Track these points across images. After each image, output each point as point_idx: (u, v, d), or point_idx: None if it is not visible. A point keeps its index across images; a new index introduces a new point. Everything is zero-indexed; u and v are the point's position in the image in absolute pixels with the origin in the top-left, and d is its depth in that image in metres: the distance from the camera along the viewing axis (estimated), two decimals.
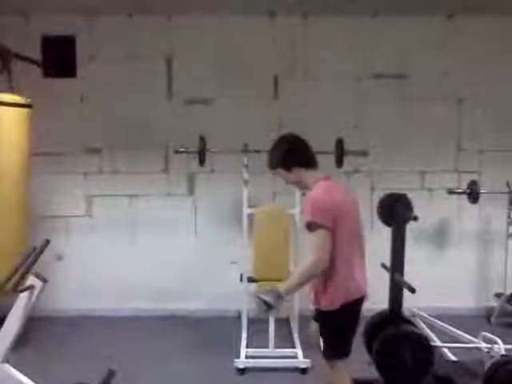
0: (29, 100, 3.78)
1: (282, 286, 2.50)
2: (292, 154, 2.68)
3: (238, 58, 4.85)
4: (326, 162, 4.27)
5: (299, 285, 2.53)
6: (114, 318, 4.77)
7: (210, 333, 4.57)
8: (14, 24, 4.68)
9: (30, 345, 3.99)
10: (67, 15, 4.68)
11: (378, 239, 4.64)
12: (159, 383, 3.70)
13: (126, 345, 4.27)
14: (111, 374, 2.89)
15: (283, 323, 4.50)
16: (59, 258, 4.84)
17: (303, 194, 3.32)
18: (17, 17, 4.70)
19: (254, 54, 4.86)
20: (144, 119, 4.87)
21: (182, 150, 4.27)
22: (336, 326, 2.64)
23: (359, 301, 2.62)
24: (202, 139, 4.14)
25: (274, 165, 2.74)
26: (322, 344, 2.73)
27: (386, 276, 3.52)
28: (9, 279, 2.56)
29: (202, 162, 4.19)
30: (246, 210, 4.16)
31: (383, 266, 3.56)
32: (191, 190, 4.99)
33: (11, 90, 3.73)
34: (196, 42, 4.85)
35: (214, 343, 4.35)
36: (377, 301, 3.69)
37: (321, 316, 2.70)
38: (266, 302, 2.46)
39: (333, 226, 2.46)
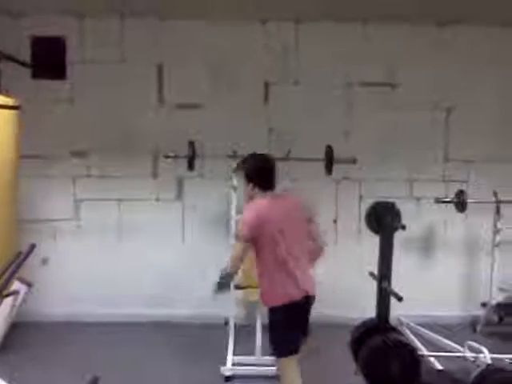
0: (17, 101, 3.74)
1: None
2: (256, 174, 2.96)
3: (229, 64, 4.84)
4: (315, 169, 4.35)
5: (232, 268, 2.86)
6: (100, 324, 4.70)
7: (197, 339, 4.54)
8: (2, 24, 4.64)
9: (14, 350, 3.93)
10: (57, 16, 4.66)
11: (365, 247, 4.69)
12: None
13: (111, 350, 4.22)
14: (95, 380, 2.85)
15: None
16: (44, 262, 4.78)
17: None
18: (6, 17, 4.67)
19: (245, 60, 4.85)
20: (134, 123, 4.84)
21: (171, 155, 4.26)
22: (273, 324, 2.86)
23: (293, 305, 2.80)
24: (192, 144, 4.13)
25: (241, 170, 3.07)
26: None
27: (374, 284, 3.53)
28: None
29: (191, 167, 4.18)
30: (234, 216, 4.14)
31: (371, 274, 3.57)
32: (180, 195, 4.97)
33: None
34: (187, 46, 4.83)
35: (201, 350, 4.32)
36: (365, 309, 3.73)
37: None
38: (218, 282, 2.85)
39: (255, 237, 2.79)
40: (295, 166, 4.39)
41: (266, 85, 4.91)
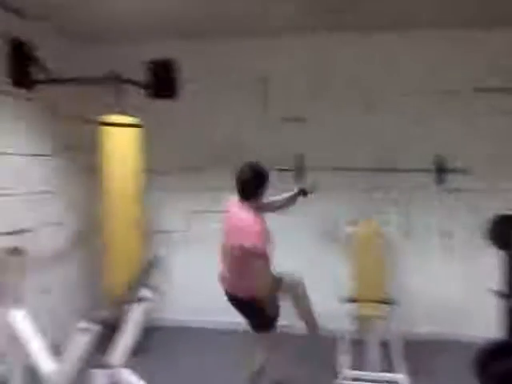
0: (139, 121, 4.00)
1: None
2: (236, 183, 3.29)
3: (332, 75, 4.87)
4: (424, 179, 4.22)
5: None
6: (215, 331, 4.91)
7: (308, 351, 4.53)
8: (123, 51, 5.01)
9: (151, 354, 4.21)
10: (170, 40, 4.94)
11: (482, 262, 4.43)
12: None
13: (223, 356, 4.35)
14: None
15: (382, 346, 4.36)
16: (163, 272, 5.03)
17: None
18: (126, 44, 5.03)
19: (348, 71, 4.85)
20: (240, 138, 5.00)
21: (281, 168, 4.33)
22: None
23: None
24: (300, 157, 4.18)
25: None
26: None
27: (492, 301, 3.34)
28: (126, 291, 2.71)
29: (298, 179, 4.23)
30: (344, 229, 4.13)
31: (493, 291, 3.38)
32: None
33: (122, 112, 3.98)
34: (290, 60, 4.93)
35: (312, 362, 4.31)
36: (479, 327, 3.51)
37: None
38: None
39: None
40: (403, 176, 4.30)
41: (370, 93, 4.86)
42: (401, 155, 4.70)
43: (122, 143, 3.90)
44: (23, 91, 4.13)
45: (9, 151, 4.03)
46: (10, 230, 3.90)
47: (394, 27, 4.61)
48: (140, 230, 4.13)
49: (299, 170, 4.19)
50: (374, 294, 3.80)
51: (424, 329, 4.70)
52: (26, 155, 4.24)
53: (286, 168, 4.34)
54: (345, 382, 3.78)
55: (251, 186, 3.20)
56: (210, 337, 4.87)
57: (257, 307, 3.17)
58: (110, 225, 4.03)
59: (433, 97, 4.73)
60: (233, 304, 3.37)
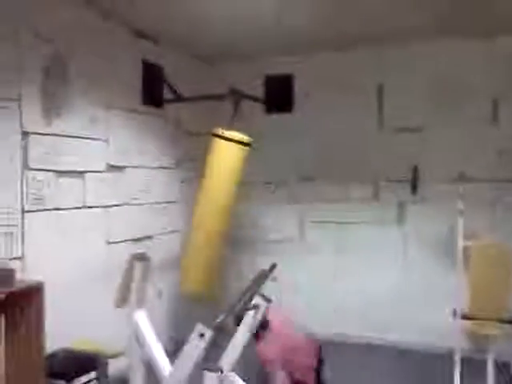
0: (249, 139, 4.16)
1: None
2: None
3: (451, 83, 4.69)
4: None
5: None
6: (322, 339, 4.89)
7: (419, 367, 4.42)
8: (240, 67, 5.28)
9: None
10: (286, 56, 5.10)
11: None
12: None
13: (333, 368, 4.32)
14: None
15: (501, 367, 4.10)
16: (273, 280, 5.19)
17: None
18: (242, 61, 5.29)
19: (469, 79, 4.65)
20: (355, 148, 5.01)
21: (394, 179, 4.28)
22: None
23: None
24: (415, 168, 4.10)
25: None
26: None
27: None
28: (240, 299, 2.86)
29: (414, 190, 4.15)
30: (461, 242, 3.96)
31: None
32: (401, 219, 4.93)
33: (235, 128, 4.16)
34: (407, 69, 4.84)
35: (423, 378, 4.20)
36: None
37: None
38: None
39: None
40: None
41: (495, 102, 4.60)
42: None
43: (227, 156, 4.09)
44: (153, 109, 4.55)
45: (139, 164, 4.45)
46: (137, 236, 4.32)
47: None
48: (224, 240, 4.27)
49: (414, 181, 4.11)
50: (490, 312, 3.59)
51: None
52: (153, 168, 4.66)
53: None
54: None
55: None
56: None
57: None
58: (197, 233, 4.22)
59: None
60: None
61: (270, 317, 3.37)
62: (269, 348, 3.43)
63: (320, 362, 3.73)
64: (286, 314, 3.72)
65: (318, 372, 3.68)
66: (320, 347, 3.81)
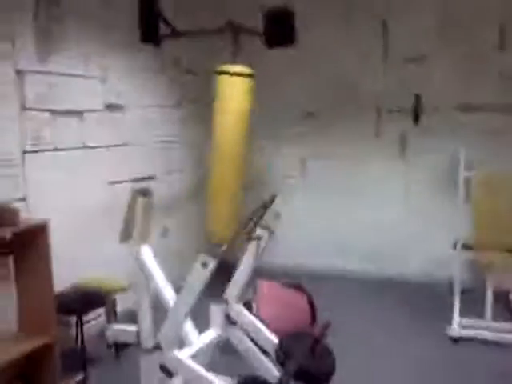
0: (252, 70, 4.09)
1: None
2: None
3: (458, 10, 4.53)
4: None
5: None
6: (324, 275, 5.00)
7: (419, 298, 4.52)
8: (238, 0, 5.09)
9: None
10: None
11: None
12: (374, 346, 3.73)
13: (335, 303, 4.38)
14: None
15: (501, 296, 4.18)
16: (277, 216, 5.23)
17: None
18: None
19: (475, 4, 4.48)
20: (358, 80, 4.92)
21: (395, 109, 4.21)
22: None
23: None
24: (418, 97, 4.02)
25: None
26: None
27: None
28: (242, 229, 2.87)
29: (416, 120, 4.09)
30: (463, 173, 3.95)
31: None
32: (403, 153, 4.89)
33: (237, 62, 4.08)
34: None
35: (424, 308, 4.30)
36: None
37: None
38: None
39: None
40: None
41: (502, 28, 4.45)
42: None
43: (234, 92, 4.02)
44: (150, 47, 4.42)
45: (139, 103, 4.38)
46: (140, 176, 4.32)
47: None
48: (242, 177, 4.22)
49: (416, 111, 4.04)
50: (495, 241, 3.63)
51: None
52: (153, 107, 4.59)
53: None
54: (457, 329, 3.72)
55: None
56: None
57: None
58: (216, 169, 4.16)
59: None
60: None
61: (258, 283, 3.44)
62: (261, 312, 3.46)
63: (314, 317, 3.75)
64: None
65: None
66: (312, 303, 3.81)
